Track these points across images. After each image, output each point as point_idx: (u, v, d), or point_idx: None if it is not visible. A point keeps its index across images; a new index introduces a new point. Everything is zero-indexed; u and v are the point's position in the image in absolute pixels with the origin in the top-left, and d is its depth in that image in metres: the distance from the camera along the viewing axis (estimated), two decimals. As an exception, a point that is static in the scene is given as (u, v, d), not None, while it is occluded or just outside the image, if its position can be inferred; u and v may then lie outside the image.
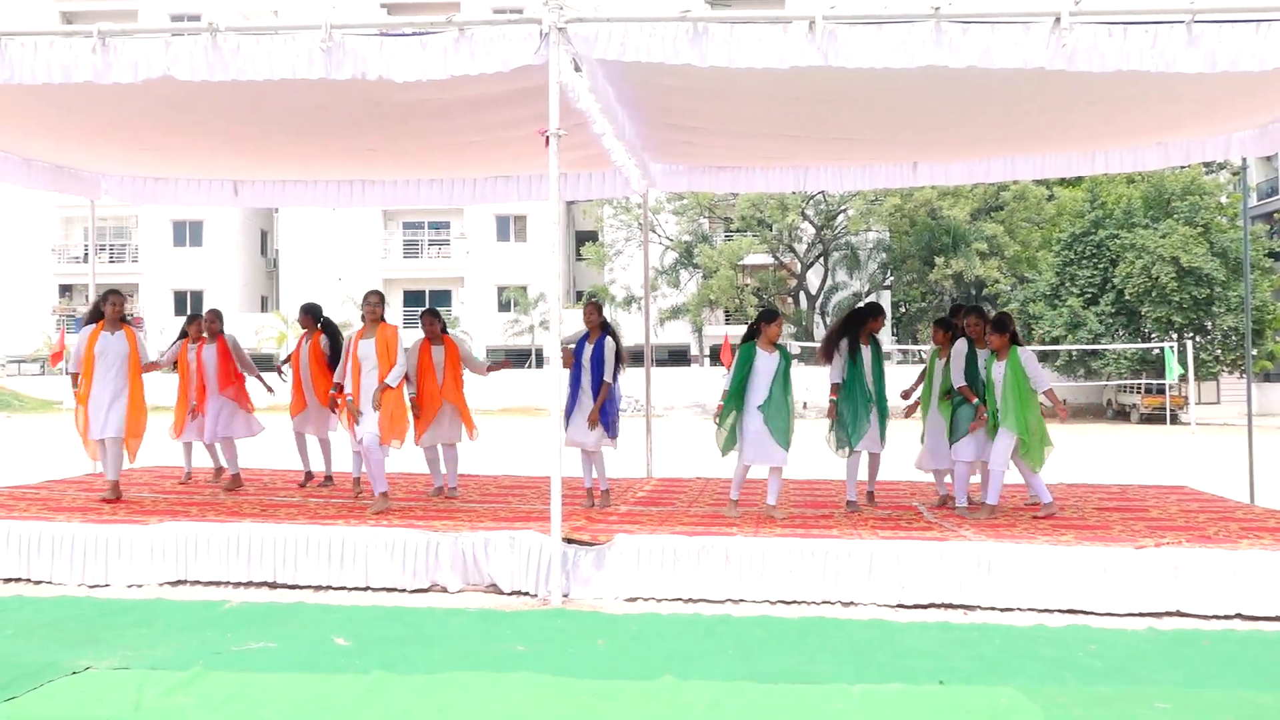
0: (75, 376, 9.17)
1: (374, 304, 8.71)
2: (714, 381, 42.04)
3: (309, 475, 10.55)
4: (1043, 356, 37.83)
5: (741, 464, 8.51)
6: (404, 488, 10.29)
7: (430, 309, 9.75)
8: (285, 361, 10.58)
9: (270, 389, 10.62)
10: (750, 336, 8.55)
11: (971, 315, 8.82)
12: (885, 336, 44.42)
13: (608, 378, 8.80)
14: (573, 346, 8.98)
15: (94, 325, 9.16)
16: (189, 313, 10.70)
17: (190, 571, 7.54)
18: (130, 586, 7.47)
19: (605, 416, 8.80)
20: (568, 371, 8.90)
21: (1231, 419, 37.03)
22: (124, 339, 9.13)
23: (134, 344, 9.20)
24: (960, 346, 8.77)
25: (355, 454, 9.48)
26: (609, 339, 8.86)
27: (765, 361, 8.42)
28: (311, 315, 10.27)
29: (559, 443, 7.06)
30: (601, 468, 9.07)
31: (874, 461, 9.20)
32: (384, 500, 8.50)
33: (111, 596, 7.18)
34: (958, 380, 8.64)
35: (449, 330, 9.73)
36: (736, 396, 8.44)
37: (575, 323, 9.60)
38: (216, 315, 10.33)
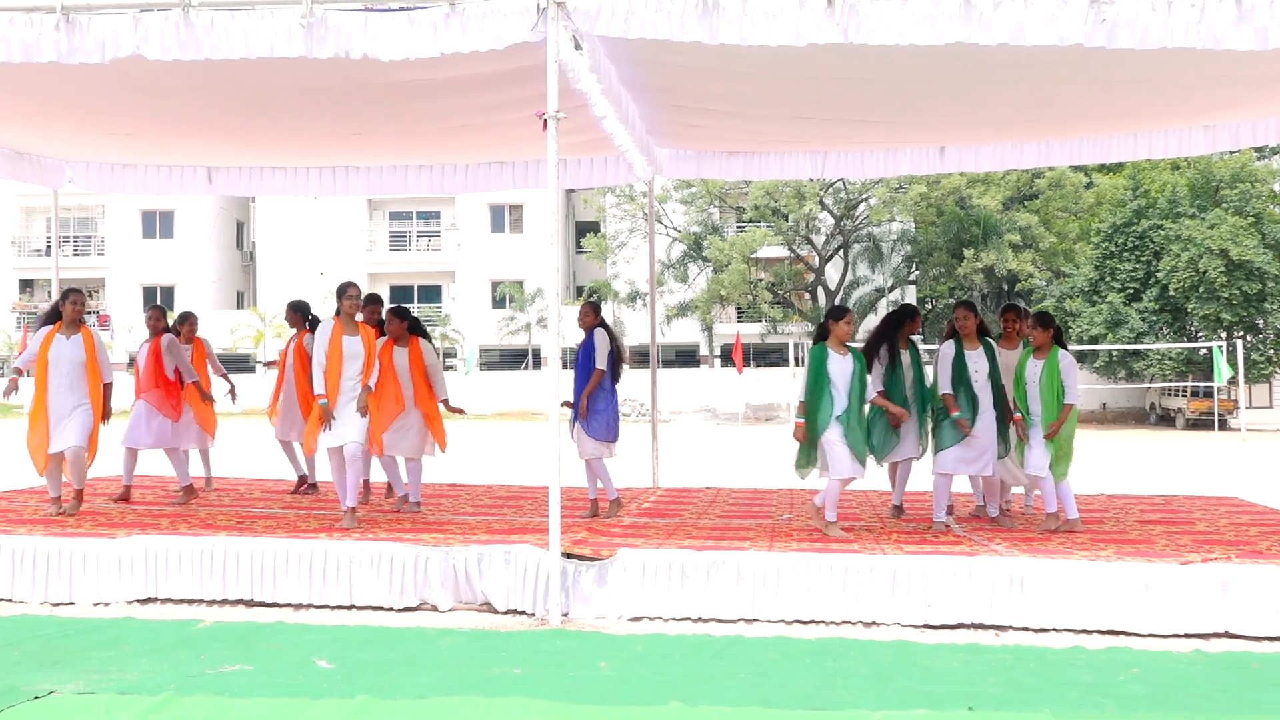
0: (19, 371, 9.02)
1: (356, 297, 8.69)
2: (724, 384, 42.08)
3: (303, 480, 10.70)
4: (1080, 357, 37.83)
5: (835, 479, 8.13)
6: (390, 498, 10.30)
7: (397, 306, 9.65)
8: (270, 364, 10.60)
9: (208, 399, 10.28)
10: (820, 337, 8.37)
11: (960, 308, 8.69)
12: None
13: (599, 364, 8.84)
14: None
15: (51, 327, 9.00)
16: (180, 311, 10.62)
17: (161, 588, 7.55)
18: (96, 605, 7.49)
19: (595, 415, 8.83)
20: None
21: (1285, 424, 36.95)
22: (79, 344, 8.94)
23: (91, 350, 8.99)
24: (946, 349, 8.59)
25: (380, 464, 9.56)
26: (600, 330, 8.95)
27: (839, 365, 8.15)
28: (300, 313, 10.28)
29: (557, 449, 7.07)
30: (606, 476, 9.08)
31: (905, 469, 9.21)
32: (353, 516, 8.45)
33: (76, 615, 7.20)
34: (944, 386, 8.51)
35: (422, 335, 9.56)
36: (815, 408, 8.13)
37: (575, 321, 9.57)
38: (160, 312, 10.25)
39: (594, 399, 8.88)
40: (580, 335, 9.20)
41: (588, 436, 8.88)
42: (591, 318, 9.01)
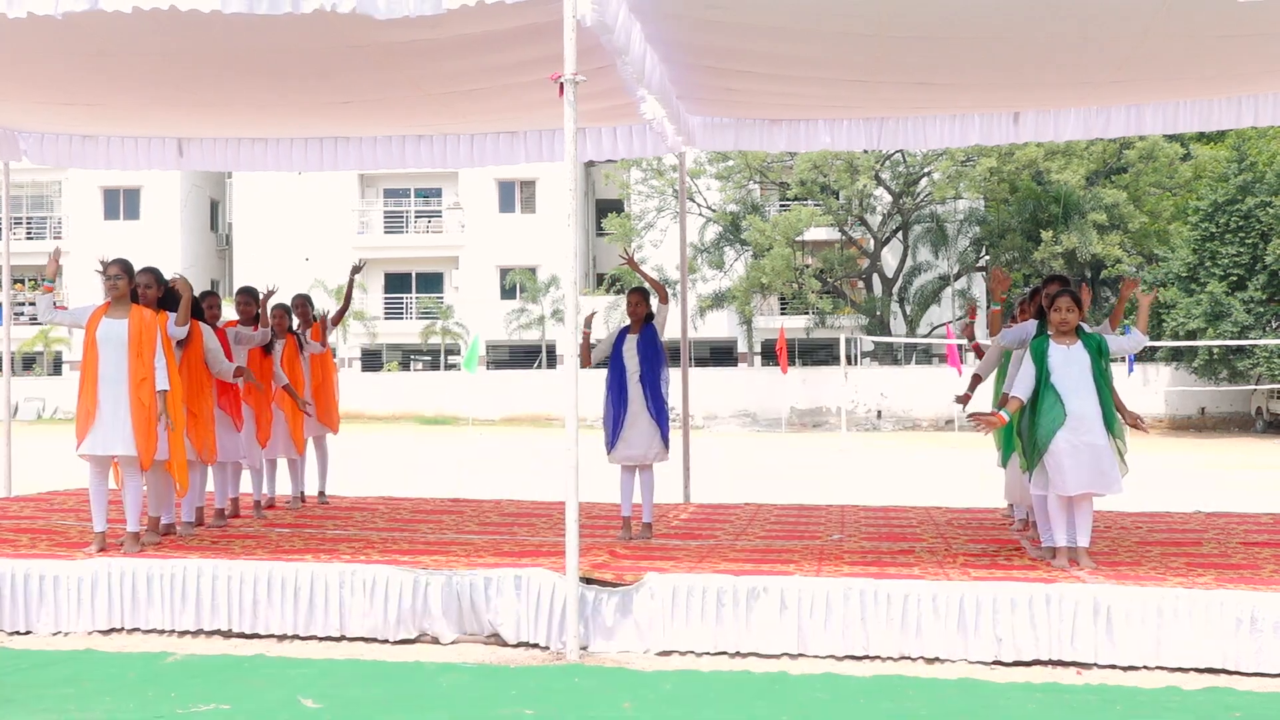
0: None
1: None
2: (765, 385, 41.99)
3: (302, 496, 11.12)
4: (1177, 354, 37.51)
5: (1053, 494, 7.80)
6: (385, 514, 10.36)
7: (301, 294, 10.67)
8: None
9: None
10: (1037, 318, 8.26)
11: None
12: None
13: (663, 371, 9.00)
14: (588, 330, 9.10)
15: (103, 304, 8.56)
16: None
17: (128, 618, 7.61)
18: (55, 635, 7.55)
19: (663, 418, 8.92)
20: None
21: None
22: (125, 327, 8.27)
23: (140, 328, 8.29)
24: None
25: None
26: (654, 326, 9.12)
27: (1062, 356, 7.72)
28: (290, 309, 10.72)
29: (575, 459, 7.08)
30: (651, 489, 9.12)
31: None
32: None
33: (31, 647, 7.26)
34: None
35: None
36: (1033, 406, 7.74)
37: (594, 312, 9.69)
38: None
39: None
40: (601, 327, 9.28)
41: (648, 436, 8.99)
42: (645, 306, 9.17)
